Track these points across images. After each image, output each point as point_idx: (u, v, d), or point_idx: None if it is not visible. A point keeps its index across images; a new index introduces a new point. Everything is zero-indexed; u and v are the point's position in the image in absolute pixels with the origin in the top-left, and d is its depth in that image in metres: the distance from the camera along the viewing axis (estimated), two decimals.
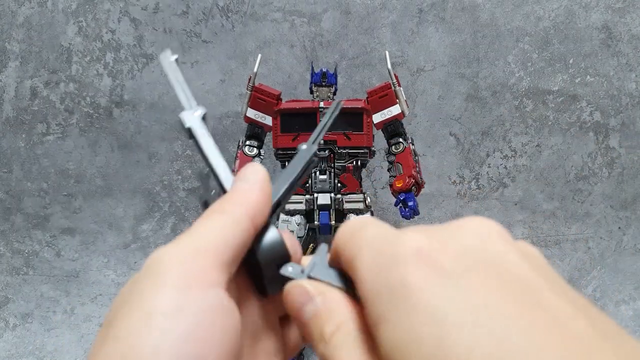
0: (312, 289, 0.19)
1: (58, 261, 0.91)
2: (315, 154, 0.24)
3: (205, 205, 0.22)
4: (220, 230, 0.19)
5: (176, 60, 0.25)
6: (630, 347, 0.14)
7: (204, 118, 0.24)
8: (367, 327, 0.17)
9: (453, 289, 0.15)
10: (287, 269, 0.20)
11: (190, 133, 0.23)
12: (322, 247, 0.21)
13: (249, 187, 0.21)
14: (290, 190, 0.23)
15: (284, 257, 0.20)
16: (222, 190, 0.22)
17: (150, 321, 0.16)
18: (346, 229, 0.19)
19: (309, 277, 0.20)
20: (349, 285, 0.19)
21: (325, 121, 0.25)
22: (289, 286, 0.19)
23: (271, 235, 0.20)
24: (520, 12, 0.90)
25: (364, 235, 0.18)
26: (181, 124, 0.24)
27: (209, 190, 0.23)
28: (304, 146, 0.24)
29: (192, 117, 0.23)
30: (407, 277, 0.15)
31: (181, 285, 0.17)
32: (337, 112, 0.26)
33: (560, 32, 0.91)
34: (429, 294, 0.15)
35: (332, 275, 0.20)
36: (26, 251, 0.91)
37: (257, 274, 0.20)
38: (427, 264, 0.16)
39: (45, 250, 0.91)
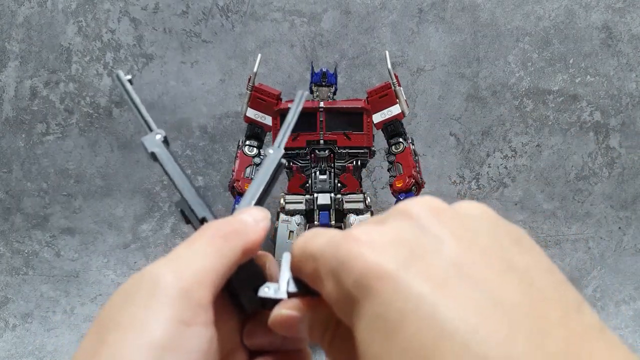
0: (295, 313, 0.19)
1: (58, 261, 0.91)
2: (282, 159, 0.24)
3: (183, 214, 0.23)
4: (219, 258, 0.19)
5: (130, 81, 0.25)
6: (609, 342, 0.14)
7: (165, 141, 0.24)
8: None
9: (397, 272, 0.15)
10: (264, 290, 0.20)
11: (154, 157, 0.24)
12: (286, 257, 0.21)
13: (257, 226, 0.21)
14: (263, 199, 0.23)
15: (259, 278, 0.21)
16: (189, 209, 0.22)
17: (145, 352, 0.16)
18: (298, 243, 0.20)
19: (289, 294, 0.20)
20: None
21: (289, 120, 0.26)
22: (272, 318, 0.20)
23: (249, 264, 0.21)
24: (521, 11, 0.90)
25: (317, 240, 0.18)
26: (144, 148, 0.24)
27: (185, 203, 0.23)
28: (270, 150, 0.24)
29: (154, 141, 0.24)
30: (362, 280, 0.15)
31: (179, 318, 0.17)
32: (300, 108, 0.26)
33: (560, 32, 0.90)
34: (386, 285, 0.15)
35: (304, 284, 0.20)
36: (26, 251, 0.91)
37: (234, 294, 0.21)
38: (365, 261, 0.16)
39: (45, 250, 0.91)
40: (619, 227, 0.94)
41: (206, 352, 0.17)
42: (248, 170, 0.70)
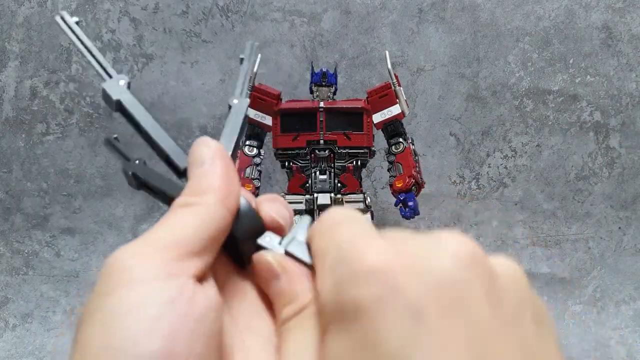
0: (277, 267, 0.18)
1: (58, 261, 0.91)
2: (247, 112, 0.22)
3: (135, 177, 0.21)
4: (187, 223, 0.17)
5: (77, 23, 0.23)
6: None
7: (129, 87, 0.22)
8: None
9: (408, 322, 0.14)
10: (265, 239, 0.19)
11: (119, 106, 0.21)
12: (304, 220, 0.20)
13: (209, 169, 0.19)
14: (235, 151, 0.22)
15: (259, 227, 0.19)
16: (169, 164, 0.21)
17: (111, 322, 0.15)
18: (324, 221, 0.18)
19: (285, 252, 0.19)
20: None
21: (246, 68, 0.24)
22: (255, 257, 0.19)
23: (243, 207, 0.19)
24: (521, 11, 0.90)
25: (335, 235, 0.17)
26: (106, 96, 0.21)
27: (130, 160, 0.22)
28: (235, 100, 0.23)
29: (117, 87, 0.22)
30: (360, 300, 0.14)
31: (139, 280, 0.16)
32: (255, 58, 0.25)
33: (560, 32, 0.90)
34: (381, 326, 0.14)
35: (308, 253, 0.19)
36: (26, 251, 0.91)
37: (234, 248, 0.19)
38: (384, 287, 0.14)
39: (45, 250, 0.91)
40: (619, 227, 0.94)
41: (189, 302, 0.16)
42: (248, 170, 0.70)
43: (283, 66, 0.90)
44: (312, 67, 0.72)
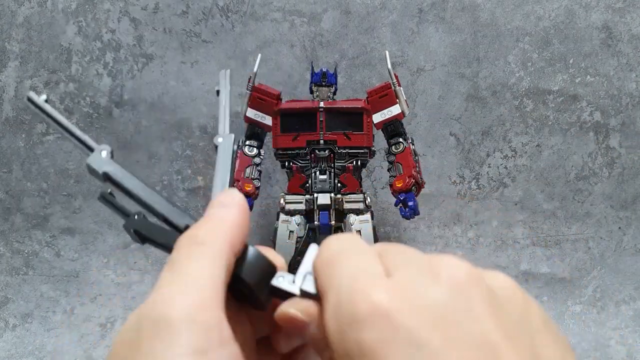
0: (303, 316, 0.18)
1: (58, 261, 0.91)
2: (235, 145, 0.23)
3: (138, 234, 0.21)
4: (209, 266, 0.18)
5: (46, 101, 0.23)
6: None
7: (112, 156, 0.22)
8: None
9: (414, 356, 0.14)
10: (278, 280, 0.19)
11: (107, 177, 0.21)
12: (312, 250, 0.20)
13: (227, 212, 0.19)
14: (230, 185, 0.22)
15: (270, 269, 0.19)
16: (168, 224, 0.21)
17: None
18: (323, 254, 0.18)
19: (301, 291, 0.19)
20: None
21: (224, 101, 0.24)
22: (278, 316, 0.19)
23: (251, 253, 0.19)
24: (521, 11, 0.90)
25: (337, 270, 0.17)
26: (91, 170, 0.21)
27: (129, 216, 0.22)
28: (220, 139, 0.23)
29: (101, 160, 0.22)
30: (363, 343, 0.15)
31: (196, 350, 0.16)
32: (228, 87, 0.25)
33: (560, 31, 0.90)
34: None
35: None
36: (26, 251, 0.91)
37: (245, 293, 0.19)
38: (386, 327, 0.15)
39: (45, 250, 0.91)
40: (619, 227, 0.94)
41: None
42: (248, 170, 0.70)
43: (283, 66, 0.90)
44: (312, 67, 0.72)
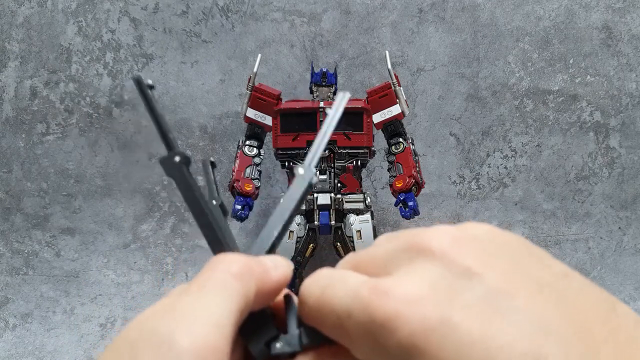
0: None
1: (58, 261, 0.91)
2: (311, 182, 0.22)
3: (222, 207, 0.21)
4: (232, 304, 0.17)
5: (150, 86, 0.23)
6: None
7: (184, 162, 0.22)
8: None
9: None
10: (276, 347, 0.18)
11: (172, 177, 0.21)
12: (293, 304, 0.19)
13: (275, 271, 0.19)
14: (289, 223, 0.21)
15: (269, 328, 0.19)
16: (210, 242, 0.21)
17: None
18: (310, 301, 0.18)
19: (304, 348, 0.18)
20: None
21: (324, 131, 0.23)
22: None
23: (261, 317, 0.19)
24: (521, 11, 0.90)
25: (336, 305, 0.17)
26: (163, 166, 0.21)
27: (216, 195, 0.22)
28: (300, 170, 0.22)
29: (172, 163, 0.22)
30: (402, 342, 0.15)
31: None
32: (340, 112, 0.23)
33: (560, 32, 0.90)
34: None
35: (319, 332, 0.18)
36: (26, 251, 0.91)
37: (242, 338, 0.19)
38: (416, 316, 0.15)
39: (45, 250, 0.91)
40: (619, 227, 0.94)
41: None
42: (248, 170, 0.70)
43: (283, 66, 0.90)
44: (312, 67, 0.72)
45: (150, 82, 0.22)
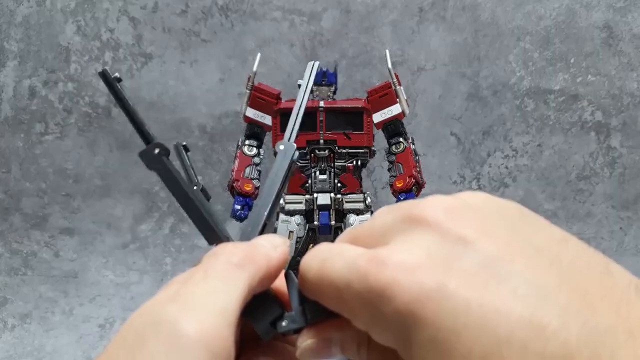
0: (323, 340, 0.18)
1: (57, 261, 0.91)
2: (294, 155, 0.22)
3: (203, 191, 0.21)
4: (237, 291, 0.17)
5: (116, 78, 0.22)
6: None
7: (162, 153, 0.22)
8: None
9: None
10: (282, 326, 0.19)
11: (156, 171, 0.22)
12: (293, 280, 0.19)
13: (274, 253, 0.19)
14: (277, 202, 0.21)
15: (274, 307, 0.19)
16: (201, 228, 0.21)
17: None
18: (309, 275, 0.18)
19: (309, 324, 0.19)
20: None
21: (296, 111, 0.24)
22: (301, 352, 0.18)
23: (265, 297, 0.19)
24: (522, 11, 0.89)
25: (335, 277, 0.17)
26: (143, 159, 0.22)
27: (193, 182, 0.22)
28: (281, 147, 0.22)
29: (152, 156, 0.22)
30: (402, 310, 0.15)
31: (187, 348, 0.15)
32: (310, 84, 0.24)
33: (561, 31, 0.90)
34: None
35: (322, 307, 0.18)
36: (25, 251, 0.91)
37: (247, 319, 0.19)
38: (414, 283, 0.15)
39: (44, 251, 0.91)
40: (620, 227, 0.94)
41: None
42: (247, 170, 0.69)
43: (283, 65, 0.89)
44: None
45: (117, 75, 0.22)
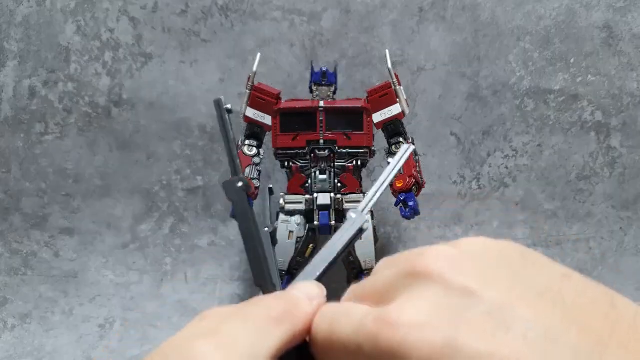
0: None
1: (57, 261, 0.91)
2: (362, 227, 0.22)
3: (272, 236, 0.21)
4: (269, 342, 0.17)
5: (228, 110, 0.25)
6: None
7: (244, 188, 0.23)
8: None
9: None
10: None
11: (232, 201, 0.23)
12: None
13: (309, 303, 0.19)
14: (332, 266, 0.22)
15: None
16: (254, 268, 0.21)
17: None
18: (318, 329, 0.18)
19: None
20: None
21: (380, 183, 0.25)
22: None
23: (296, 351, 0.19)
24: (522, 11, 0.89)
25: (342, 333, 0.17)
26: (225, 190, 0.23)
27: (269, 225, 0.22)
28: (352, 214, 0.23)
29: (234, 188, 0.23)
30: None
31: None
32: (402, 162, 0.26)
33: (561, 31, 0.90)
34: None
35: None
36: (24, 251, 0.91)
37: None
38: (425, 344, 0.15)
39: (44, 251, 0.91)
40: (620, 228, 0.94)
41: None
42: (247, 170, 0.69)
43: (283, 65, 0.89)
44: (312, 67, 0.72)
45: (229, 106, 0.24)
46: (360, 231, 0.23)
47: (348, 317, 0.17)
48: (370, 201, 0.24)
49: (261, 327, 0.18)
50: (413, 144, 0.71)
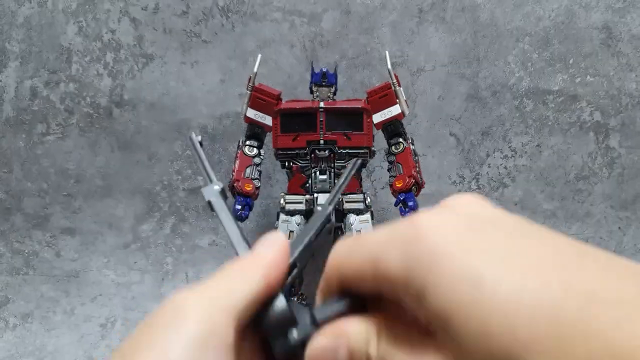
0: (328, 343, 0.19)
1: (58, 261, 0.91)
2: (329, 216, 0.25)
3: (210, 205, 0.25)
4: (237, 286, 0.19)
5: (200, 142, 0.29)
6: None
7: (222, 192, 0.26)
8: (396, 318, 0.18)
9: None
10: (293, 336, 0.20)
11: (210, 205, 0.26)
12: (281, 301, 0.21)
13: (268, 250, 0.21)
14: (306, 251, 0.23)
15: (290, 324, 0.20)
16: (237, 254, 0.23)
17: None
18: (340, 249, 0.20)
19: (317, 325, 0.19)
20: (350, 296, 0.20)
21: (341, 182, 0.28)
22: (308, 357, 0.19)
23: (278, 303, 0.20)
24: (521, 12, 0.90)
25: (367, 241, 0.19)
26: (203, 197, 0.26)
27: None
28: (319, 207, 0.26)
29: (212, 191, 0.26)
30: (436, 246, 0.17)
31: (199, 339, 0.17)
32: (353, 172, 0.29)
33: (560, 32, 0.90)
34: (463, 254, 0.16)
35: (332, 305, 0.20)
36: (26, 251, 0.91)
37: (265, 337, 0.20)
38: (446, 225, 0.17)
39: (45, 251, 0.91)
40: (619, 227, 0.94)
41: None
42: (248, 170, 0.70)
43: (283, 66, 0.90)
44: (312, 67, 0.72)
45: (199, 138, 0.30)
46: (326, 223, 0.25)
47: (368, 236, 0.20)
48: (335, 194, 0.26)
49: (229, 276, 0.20)
50: (412, 144, 0.72)
